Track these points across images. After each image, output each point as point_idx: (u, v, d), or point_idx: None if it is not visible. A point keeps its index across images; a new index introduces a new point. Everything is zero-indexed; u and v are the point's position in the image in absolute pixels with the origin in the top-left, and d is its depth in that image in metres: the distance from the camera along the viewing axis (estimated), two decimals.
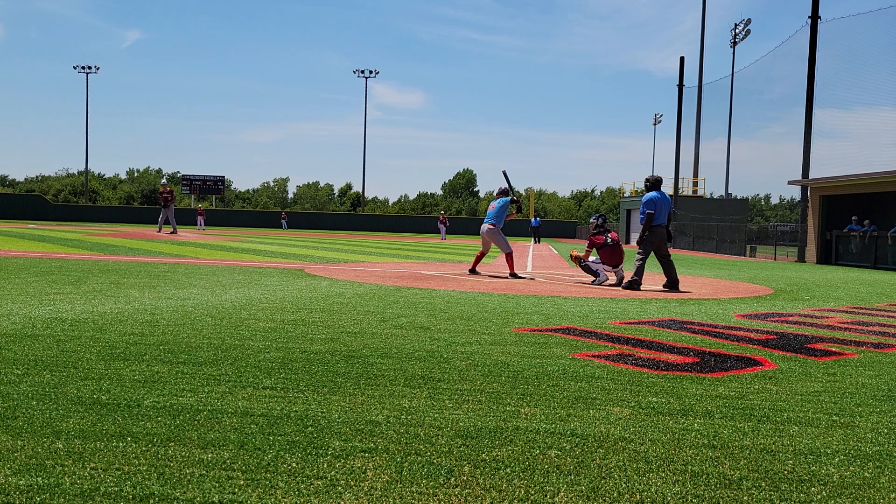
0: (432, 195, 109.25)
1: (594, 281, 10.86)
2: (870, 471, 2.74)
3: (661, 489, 2.47)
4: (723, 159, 51.56)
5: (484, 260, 14.48)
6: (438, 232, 38.24)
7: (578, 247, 24.91)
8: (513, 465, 2.66)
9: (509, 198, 11.83)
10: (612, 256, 10.66)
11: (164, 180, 28.82)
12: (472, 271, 12.04)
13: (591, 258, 10.99)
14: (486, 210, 12.21)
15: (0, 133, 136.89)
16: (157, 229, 29.53)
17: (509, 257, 11.72)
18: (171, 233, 27.52)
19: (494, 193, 12.26)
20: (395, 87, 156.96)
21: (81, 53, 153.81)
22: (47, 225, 39.69)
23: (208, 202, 72.72)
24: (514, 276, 11.42)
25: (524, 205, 56.62)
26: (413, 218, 70.71)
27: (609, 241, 10.77)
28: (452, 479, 2.50)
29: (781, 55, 33.58)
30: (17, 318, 5.61)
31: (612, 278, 10.96)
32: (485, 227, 11.78)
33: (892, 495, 2.50)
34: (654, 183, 10.48)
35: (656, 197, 10.29)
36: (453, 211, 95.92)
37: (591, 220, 11.24)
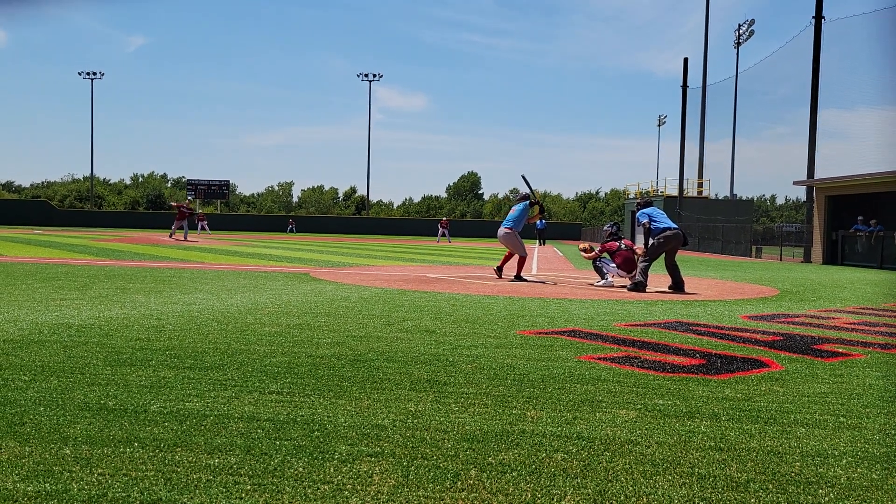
0: (437, 198, 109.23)
1: (598, 282, 10.93)
2: (877, 472, 2.72)
3: (667, 492, 2.46)
4: (727, 160, 51.47)
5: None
6: (444, 236, 38.53)
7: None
8: (519, 468, 2.65)
9: (528, 202, 12.06)
10: (628, 263, 10.80)
11: (189, 197, 30.41)
12: (499, 270, 12.17)
13: (605, 261, 11.10)
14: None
15: (5, 139, 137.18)
16: (179, 235, 29.90)
17: (521, 261, 11.80)
18: (169, 236, 28.05)
19: (516, 197, 12.64)
20: (398, 90, 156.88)
21: (86, 59, 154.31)
22: (53, 230, 39.84)
23: (213, 206, 72.91)
24: (518, 278, 11.44)
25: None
26: (418, 221, 70.66)
27: (622, 246, 10.93)
28: (459, 482, 2.50)
29: (785, 55, 33.57)
30: (24, 324, 5.64)
31: (617, 281, 11.00)
32: (502, 230, 11.97)
33: None
34: (646, 203, 10.90)
35: (651, 210, 10.66)
36: (458, 214, 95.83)
37: (606, 228, 11.58)
